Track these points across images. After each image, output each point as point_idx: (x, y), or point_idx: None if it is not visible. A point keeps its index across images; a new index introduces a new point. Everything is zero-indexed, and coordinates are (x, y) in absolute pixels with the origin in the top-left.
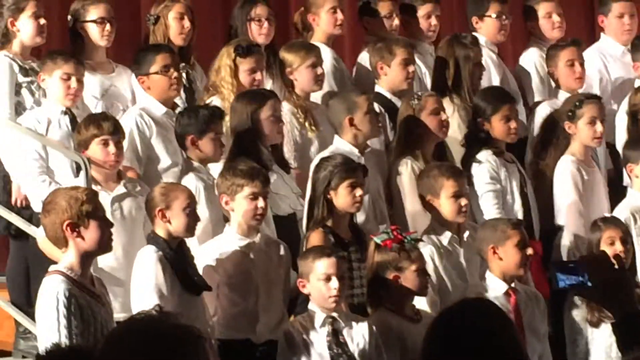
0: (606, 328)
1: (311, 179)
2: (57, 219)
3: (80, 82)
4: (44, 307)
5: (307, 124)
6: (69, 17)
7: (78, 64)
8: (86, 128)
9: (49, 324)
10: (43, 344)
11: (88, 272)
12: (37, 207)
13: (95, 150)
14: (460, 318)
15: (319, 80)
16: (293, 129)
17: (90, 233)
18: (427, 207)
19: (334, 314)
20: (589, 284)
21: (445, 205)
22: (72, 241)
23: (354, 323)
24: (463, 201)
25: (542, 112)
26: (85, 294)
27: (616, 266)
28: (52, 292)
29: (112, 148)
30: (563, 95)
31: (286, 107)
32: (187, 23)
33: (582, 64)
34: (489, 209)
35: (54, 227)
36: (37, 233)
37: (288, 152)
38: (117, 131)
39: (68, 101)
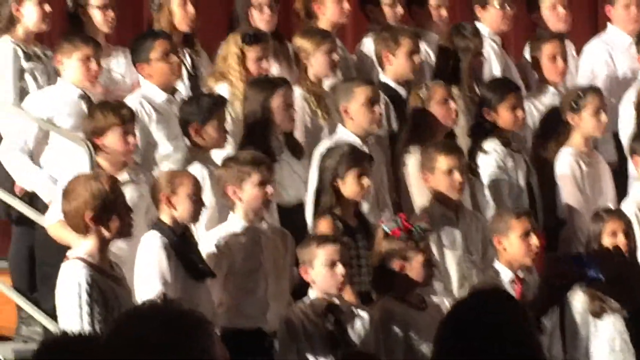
0: (609, 319)
1: (318, 167)
2: (80, 209)
3: (99, 64)
4: (66, 294)
5: (319, 110)
6: (69, 1)
7: (97, 46)
8: (104, 115)
9: (71, 311)
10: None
11: (107, 257)
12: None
13: (113, 138)
14: (474, 308)
15: (333, 66)
16: (305, 115)
17: (113, 222)
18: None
19: (336, 301)
20: (601, 276)
21: (440, 181)
22: (94, 229)
23: (355, 311)
24: (457, 177)
25: (526, 107)
26: (107, 279)
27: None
28: (73, 278)
29: (131, 138)
30: (547, 90)
31: (298, 93)
32: (191, 9)
33: (564, 59)
34: (496, 199)
35: (77, 216)
36: (44, 220)
37: (299, 138)
38: (133, 119)
39: (88, 83)
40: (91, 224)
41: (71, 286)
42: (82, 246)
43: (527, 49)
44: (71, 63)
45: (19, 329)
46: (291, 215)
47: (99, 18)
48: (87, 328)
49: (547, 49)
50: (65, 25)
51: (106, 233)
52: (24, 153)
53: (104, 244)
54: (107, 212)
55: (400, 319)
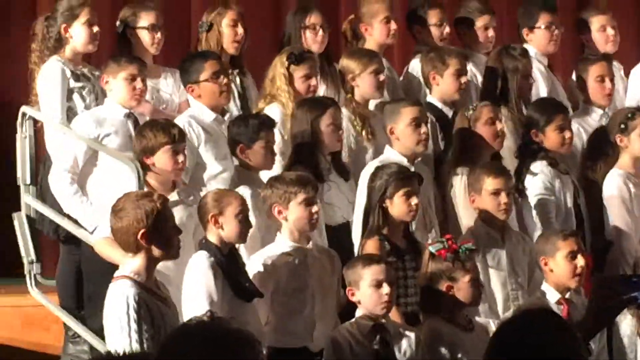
0: None
1: (367, 187)
2: (132, 227)
3: (144, 82)
4: (114, 313)
5: (363, 132)
6: (118, 22)
7: (142, 66)
8: (154, 134)
9: (120, 329)
10: (113, 350)
11: (153, 276)
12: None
13: (163, 157)
14: (521, 328)
15: (380, 87)
16: (349, 136)
17: (163, 241)
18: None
19: (382, 321)
20: None
21: (487, 202)
22: (144, 248)
23: (401, 331)
24: (503, 198)
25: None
26: (154, 297)
27: None
28: (121, 297)
29: (181, 157)
30: (593, 111)
31: (344, 113)
32: (240, 30)
33: (612, 80)
34: (543, 221)
35: (127, 234)
36: (90, 237)
37: (344, 158)
38: (183, 139)
39: (134, 102)
40: (142, 242)
41: (119, 304)
42: (129, 265)
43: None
44: (117, 83)
45: (66, 348)
46: (338, 235)
47: (147, 39)
48: (135, 347)
49: (594, 71)
50: (114, 46)
51: (156, 252)
52: (72, 180)
53: (151, 263)
54: (158, 231)
55: (447, 340)
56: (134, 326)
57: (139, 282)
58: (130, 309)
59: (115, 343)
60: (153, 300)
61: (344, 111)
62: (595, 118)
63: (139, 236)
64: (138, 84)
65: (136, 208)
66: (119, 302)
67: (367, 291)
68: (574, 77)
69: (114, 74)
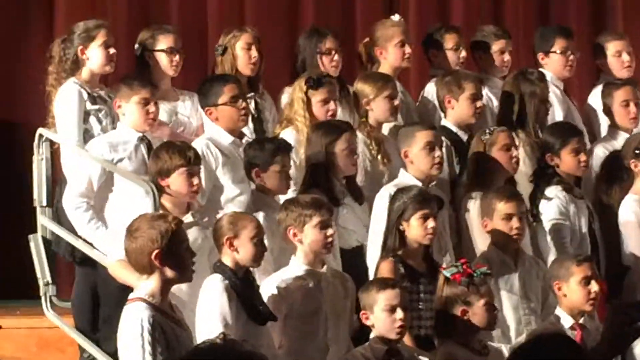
0: None
1: (387, 209)
2: (146, 247)
3: (157, 106)
4: (129, 335)
5: (379, 156)
6: (137, 45)
7: (154, 89)
8: (170, 157)
9: (134, 351)
10: None
11: (167, 298)
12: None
13: (178, 180)
14: (535, 352)
15: (394, 112)
16: (365, 160)
17: (176, 263)
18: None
19: (396, 346)
20: None
21: (499, 227)
22: (158, 270)
23: (415, 356)
24: (515, 223)
25: (599, 153)
26: (168, 320)
27: None
28: (136, 319)
29: (196, 179)
30: (619, 135)
31: (359, 137)
32: (254, 53)
33: (637, 104)
34: (558, 246)
35: (141, 255)
36: (105, 259)
37: (359, 182)
38: (199, 161)
39: (147, 126)
40: (156, 263)
41: (133, 327)
42: (143, 287)
43: (593, 94)
44: (130, 107)
45: None
46: (353, 258)
47: (165, 62)
48: None
49: (620, 95)
50: (131, 69)
51: (170, 273)
52: (87, 205)
53: (165, 285)
54: (173, 252)
55: None
56: (148, 348)
57: (154, 304)
58: (144, 332)
59: None
60: (168, 323)
61: (359, 135)
62: (621, 142)
63: (152, 256)
64: (151, 107)
65: (151, 228)
66: (134, 324)
67: (381, 315)
68: (590, 101)
69: (127, 98)
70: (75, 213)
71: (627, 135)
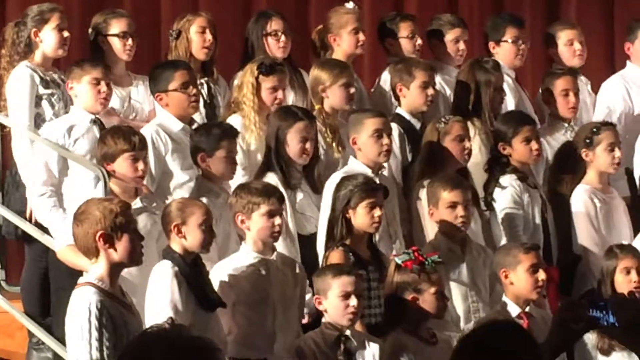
0: (617, 357)
1: (332, 197)
2: (91, 229)
3: (109, 86)
4: (76, 319)
5: (334, 144)
6: (90, 30)
7: (106, 69)
8: (114, 141)
9: (81, 336)
10: (74, 357)
11: (117, 282)
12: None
13: (123, 165)
14: (483, 339)
15: (350, 99)
16: (319, 147)
17: (123, 245)
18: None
19: (347, 332)
20: (616, 324)
21: (444, 215)
22: (104, 252)
23: (365, 342)
24: (460, 211)
25: None
26: (118, 304)
27: None
28: (84, 303)
29: (141, 164)
30: (559, 124)
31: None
32: (209, 36)
33: (576, 94)
34: (510, 234)
35: (86, 237)
36: (54, 243)
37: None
38: (144, 147)
39: (99, 106)
40: (100, 244)
41: (81, 311)
42: (93, 271)
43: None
44: (81, 87)
45: (29, 355)
46: (310, 244)
47: (119, 46)
48: (95, 355)
49: (560, 84)
50: (84, 53)
51: (116, 256)
52: (51, 192)
53: (114, 269)
54: (117, 232)
55: (411, 352)
56: (94, 334)
57: (103, 288)
58: (92, 316)
59: (76, 350)
60: (117, 307)
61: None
62: (562, 132)
63: (97, 237)
64: (102, 87)
65: (95, 210)
66: (81, 309)
67: (335, 301)
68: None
69: (78, 79)
70: (38, 200)
71: (567, 126)
